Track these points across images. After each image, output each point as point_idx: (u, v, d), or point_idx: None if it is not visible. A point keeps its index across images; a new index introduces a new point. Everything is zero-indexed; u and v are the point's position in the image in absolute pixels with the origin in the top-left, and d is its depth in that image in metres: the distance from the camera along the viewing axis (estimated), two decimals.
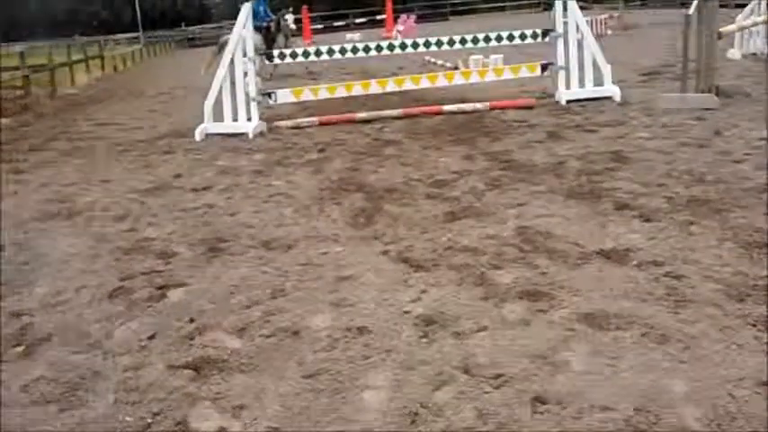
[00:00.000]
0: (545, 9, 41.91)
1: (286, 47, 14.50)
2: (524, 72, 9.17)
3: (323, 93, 9.04)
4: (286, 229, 4.70)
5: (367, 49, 8.95)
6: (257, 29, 11.73)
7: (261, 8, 15.62)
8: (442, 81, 9.18)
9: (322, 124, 8.73)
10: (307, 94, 9.06)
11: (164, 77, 19.64)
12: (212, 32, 43.05)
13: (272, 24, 16.20)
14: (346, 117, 8.90)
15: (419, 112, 8.84)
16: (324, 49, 9.06)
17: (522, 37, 8.97)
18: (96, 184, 6.50)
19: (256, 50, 8.83)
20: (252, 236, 4.61)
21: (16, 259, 4.48)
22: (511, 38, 8.98)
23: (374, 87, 9.10)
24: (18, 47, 22.85)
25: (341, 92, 9.04)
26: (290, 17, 16.96)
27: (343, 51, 8.95)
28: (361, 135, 7.92)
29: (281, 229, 4.73)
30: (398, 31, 25.11)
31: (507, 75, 9.19)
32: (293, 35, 17.50)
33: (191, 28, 44.31)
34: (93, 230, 5.02)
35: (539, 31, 8.99)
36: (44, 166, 7.56)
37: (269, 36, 15.97)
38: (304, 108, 9.89)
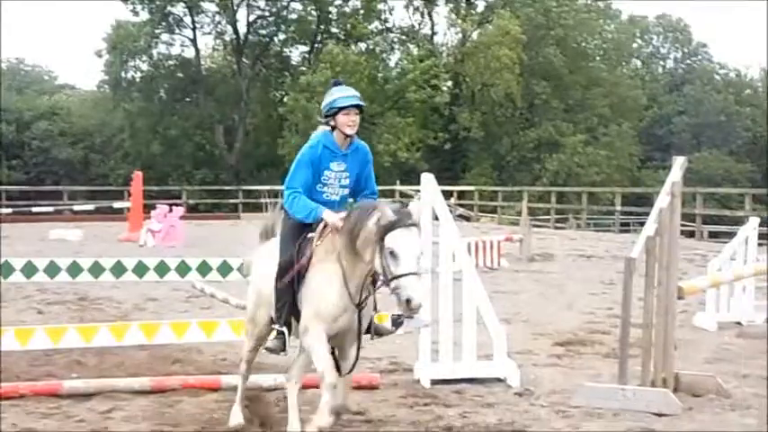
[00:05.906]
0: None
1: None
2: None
3: (5, 340, 8.54)
4: None
5: (97, 271, 8.83)
6: None
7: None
8: (225, 332, 9.10)
9: None
10: None
11: None
12: None
13: None
14: (44, 387, 8.59)
15: (180, 384, 8.73)
16: (18, 263, 8.74)
17: None
18: None
19: None
20: None
21: None
22: None
23: (103, 336, 8.86)
24: None
25: (40, 340, 8.68)
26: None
27: (52, 271, 8.74)
28: (71, 424, 7.60)
29: None
30: (151, 232, 26.04)
31: None
32: None
33: None
34: None
35: None
36: None
37: None
38: None
